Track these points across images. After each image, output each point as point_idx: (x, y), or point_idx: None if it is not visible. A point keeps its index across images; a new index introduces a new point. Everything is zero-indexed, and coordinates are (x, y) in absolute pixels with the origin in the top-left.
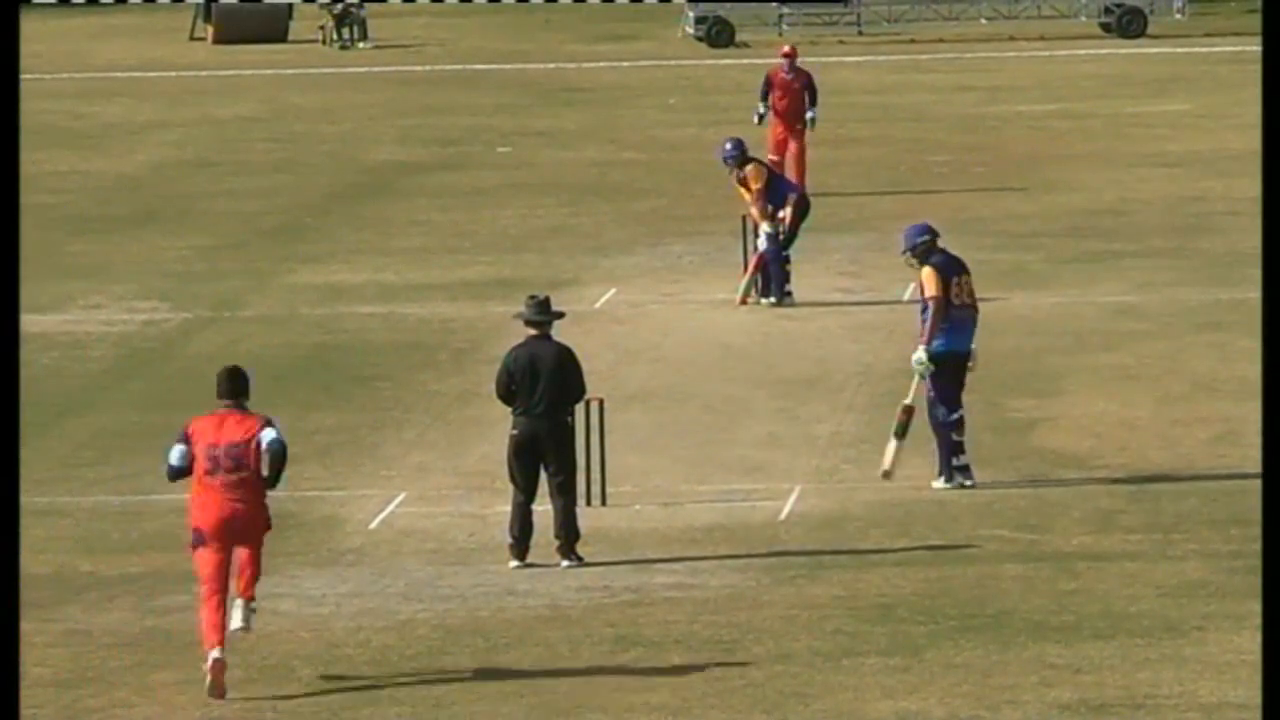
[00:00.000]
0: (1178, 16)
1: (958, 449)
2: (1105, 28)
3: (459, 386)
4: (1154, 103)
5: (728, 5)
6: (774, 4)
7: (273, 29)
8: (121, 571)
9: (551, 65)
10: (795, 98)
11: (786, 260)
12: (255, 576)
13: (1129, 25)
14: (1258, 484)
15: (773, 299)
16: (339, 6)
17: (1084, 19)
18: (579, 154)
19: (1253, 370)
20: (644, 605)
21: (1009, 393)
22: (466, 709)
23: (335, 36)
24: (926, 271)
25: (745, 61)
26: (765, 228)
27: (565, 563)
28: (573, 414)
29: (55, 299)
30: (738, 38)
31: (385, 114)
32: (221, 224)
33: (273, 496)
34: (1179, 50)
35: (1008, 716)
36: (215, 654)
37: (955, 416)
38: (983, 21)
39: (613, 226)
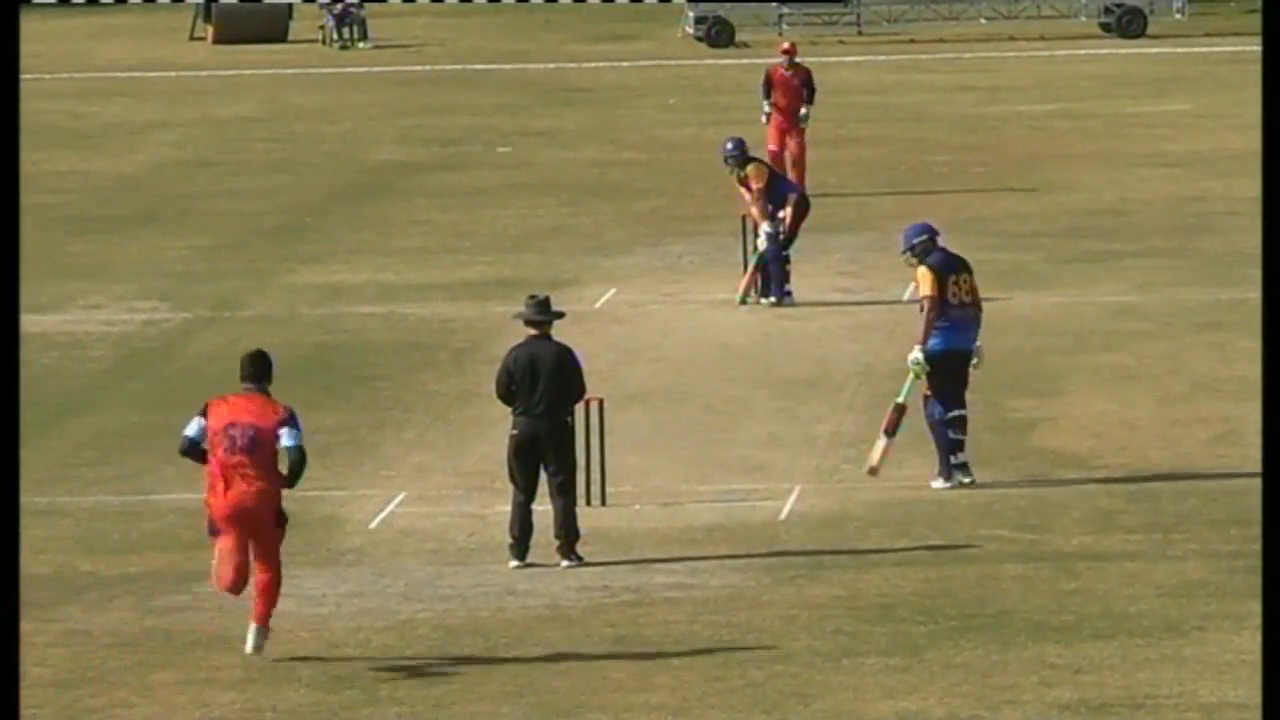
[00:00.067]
0: (1178, 16)
1: (955, 447)
2: (1105, 28)
3: (459, 386)
4: (1154, 103)
5: (728, 5)
6: (774, 4)
7: (273, 29)
8: (121, 571)
9: (551, 65)
10: (795, 95)
11: (786, 260)
12: (273, 600)
13: (1129, 25)
14: (1258, 484)
15: (773, 299)
16: (339, 6)
17: (1084, 19)
18: (579, 154)
19: (1253, 370)
20: (644, 605)
21: (1009, 393)
22: (466, 709)
23: (335, 36)
24: (921, 271)
25: (745, 61)
26: (765, 227)
27: (565, 563)
28: (573, 414)
29: (55, 299)
30: (738, 38)
31: (385, 114)
32: (221, 224)
33: None
34: (1179, 50)
35: (1008, 716)
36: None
37: (952, 415)
38: (983, 21)
39: (613, 226)
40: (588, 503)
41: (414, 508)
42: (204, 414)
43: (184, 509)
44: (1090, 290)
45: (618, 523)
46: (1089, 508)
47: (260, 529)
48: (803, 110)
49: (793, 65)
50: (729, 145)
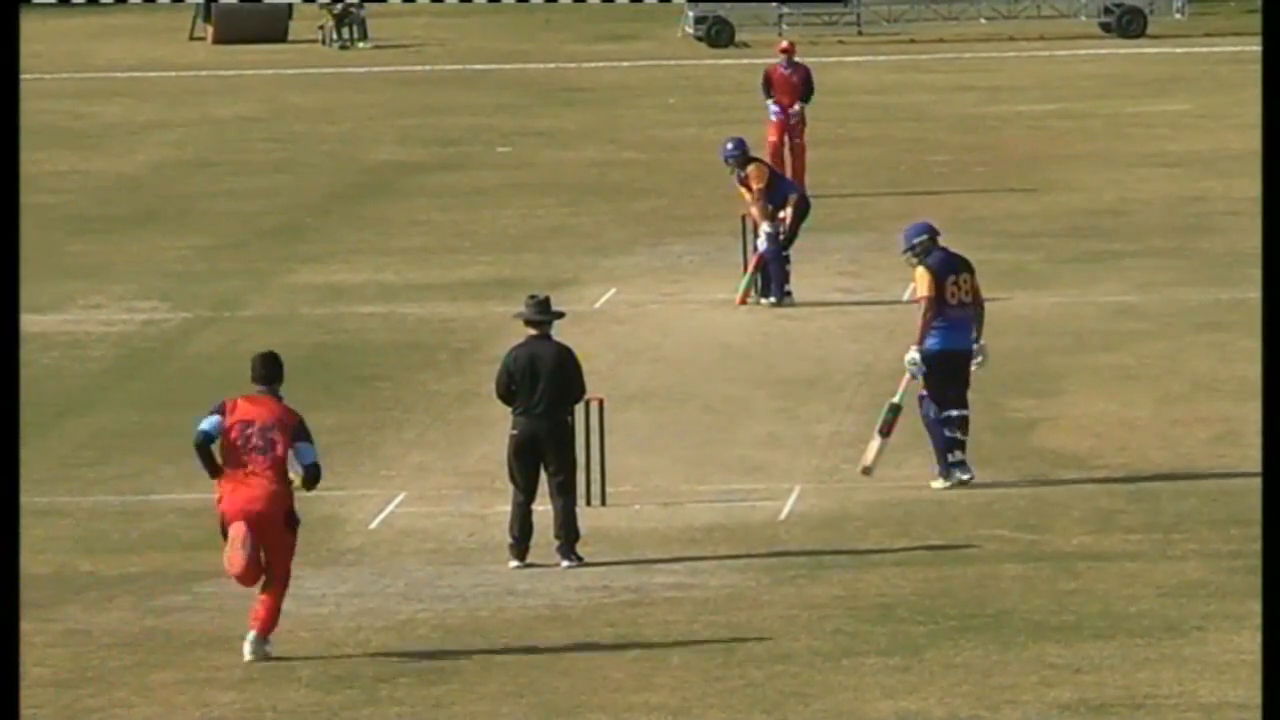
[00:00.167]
0: (1178, 16)
1: (951, 445)
2: (1105, 28)
3: (459, 386)
4: (1154, 103)
5: (728, 5)
6: (774, 4)
7: (273, 29)
8: (121, 571)
9: (551, 65)
10: (794, 94)
11: (786, 260)
12: (277, 606)
13: (1129, 25)
14: (1258, 484)
15: (773, 299)
16: (339, 6)
17: (1084, 19)
18: (579, 154)
19: (1253, 370)
20: (644, 605)
21: (1009, 393)
22: (466, 709)
23: (335, 36)
24: (919, 272)
25: (745, 61)
26: (765, 228)
27: (565, 563)
28: (573, 414)
29: (55, 299)
30: (738, 38)
31: (385, 114)
32: (221, 224)
33: None
34: (1179, 50)
35: (1008, 716)
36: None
37: (951, 415)
38: (983, 21)
39: (613, 226)
40: (588, 503)
41: (414, 508)
42: (220, 411)
43: (184, 509)
44: (1090, 290)
45: (618, 523)
46: (1089, 508)
47: (270, 530)
48: (795, 106)
49: (791, 64)
50: (729, 145)
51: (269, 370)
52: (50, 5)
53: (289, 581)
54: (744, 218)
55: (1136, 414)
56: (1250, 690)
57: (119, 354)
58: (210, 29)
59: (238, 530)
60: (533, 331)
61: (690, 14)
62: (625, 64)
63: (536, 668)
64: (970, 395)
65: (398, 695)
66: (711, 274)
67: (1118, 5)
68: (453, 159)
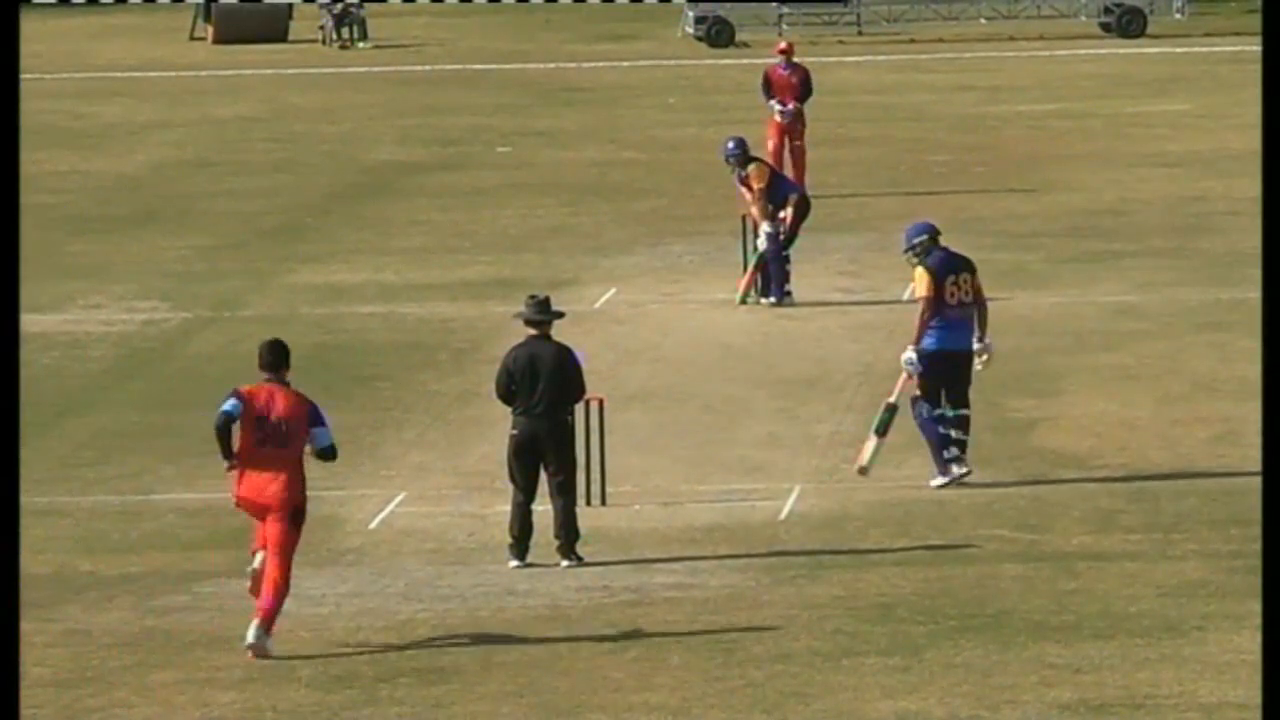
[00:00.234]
0: (1178, 16)
1: (946, 442)
2: (1105, 28)
3: (459, 386)
4: (1154, 103)
5: (728, 5)
6: (774, 4)
7: (273, 29)
8: (121, 571)
9: (551, 65)
10: (793, 94)
11: (786, 260)
12: (280, 596)
13: (1129, 25)
14: (1258, 484)
15: (773, 299)
16: (339, 6)
17: (1084, 19)
18: (579, 154)
19: (1253, 370)
20: (644, 605)
21: (1009, 393)
22: (466, 709)
23: (335, 36)
24: (919, 272)
25: (745, 61)
26: (765, 227)
27: (565, 563)
28: (573, 414)
29: (55, 299)
30: (738, 38)
31: (385, 114)
32: (221, 224)
33: None
34: (1179, 50)
35: (1008, 716)
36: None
37: (948, 414)
38: (983, 21)
39: (613, 226)
40: (588, 503)
41: (414, 508)
42: (238, 396)
43: (184, 509)
44: (1090, 290)
45: (618, 523)
46: (1089, 508)
47: (278, 525)
48: (790, 105)
49: (790, 65)
50: (730, 145)
51: (276, 358)
52: (50, 5)
53: (290, 570)
54: (744, 218)
55: (1136, 414)
56: (1250, 690)
57: (119, 354)
58: (210, 29)
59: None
60: (533, 331)
61: (690, 14)
62: (625, 64)
63: (536, 668)
64: (970, 395)
65: (398, 695)
66: (711, 274)
67: (1118, 5)
68: (453, 159)
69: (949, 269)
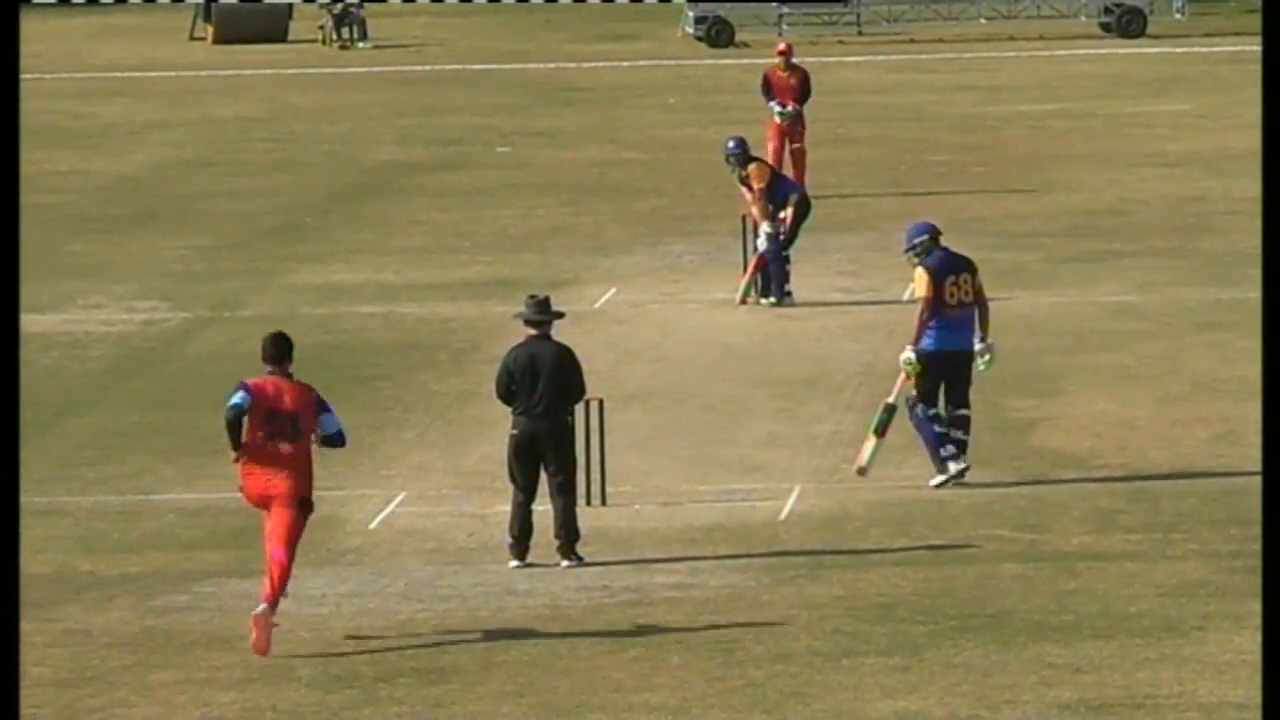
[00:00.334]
0: (1178, 16)
1: (941, 440)
2: (1105, 28)
3: (459, 386)
4: (1154, 103)
5: (728, 5)
6: (774, 4)
7: (273, 29)
8: (121, 571)
9: (551, 65)
10: (792, 96)
11: (786, 260)
12: (284, 580)
13: (1129, 25)
14: (1258, 484)
15: (773, 299)
16: (339, 6)
17: (1084, 19)
18: (579, 154)
19: (1253, 370)
20: (644, 605)
21: (1009, 393)
22: (466, 709)
23: (335, 36)
24: (918, 272)
25: (745, 61)
26: (765, 228)
27: (565, 563)
28: (573, 414)
29: (55, 299)
30: (738, 38)
31: (385, 114)
32: (221, 224)
33: None
34: (1179, 50)
35: (1007, 716)
36: (259, 609)
37: (949, 414)
38: (983, 21)
39: (613, 226)
40: (588, 503)
41: (414, 508)
42: (245, 389)
43: (184, 509)
44: (1090, 290)
45: (618, 523)
46: (1089, 508)
47: (285, 511)
48: (790, 107)
49: (789, 66)
50: (731, 144)
51: (279, 350)
52: (50, 5)
53: (293, 559)
54: (744, 218)
55: (1136, 414)
56: (1250, 690)
57: (119, 354)
58: (210, 29)
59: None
60: (533, 331)
61: (690, 14)
62: (625, 64)
63: (536, 668)
64: (970, 395)
65: (398, 695)
66: (711, 274)
67: (1118, 5)
68: (453, 159)
69: (948, 269)
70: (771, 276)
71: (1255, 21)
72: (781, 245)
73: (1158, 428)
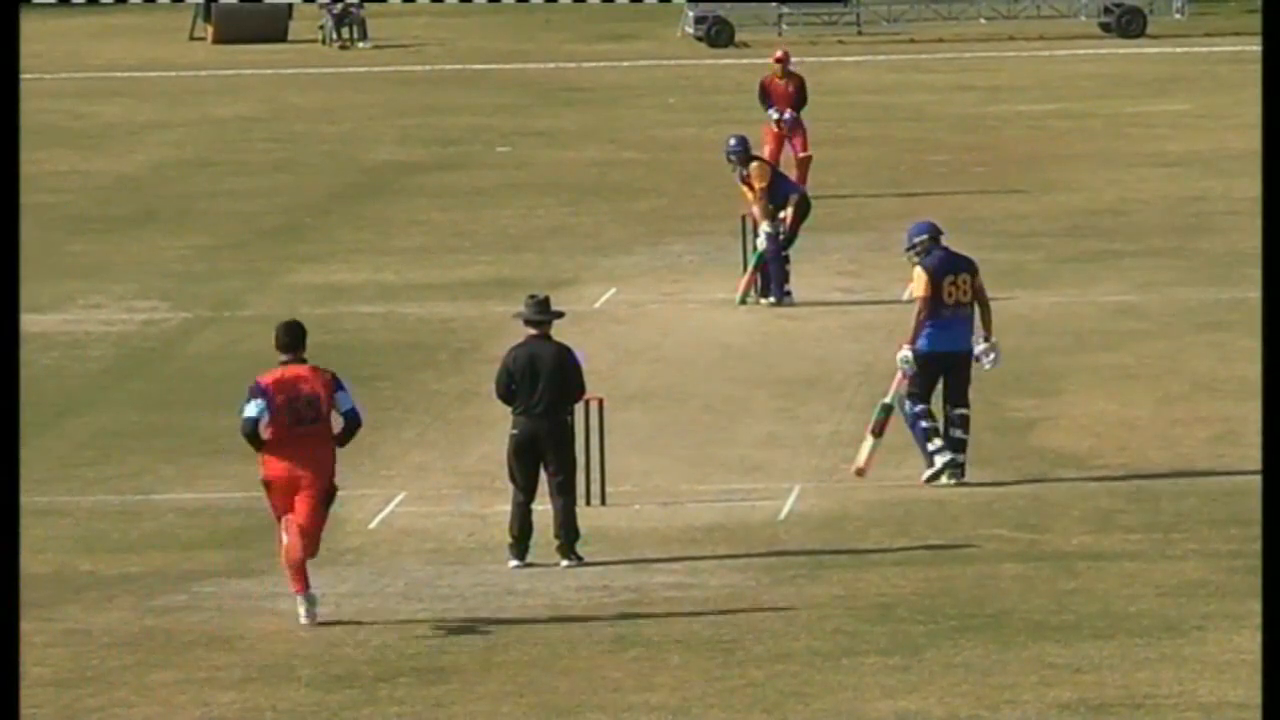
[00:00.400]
0: (1177, 16)
1: (928, 435)
2: (1105, 28)
3: (459, 386)
4: (1154, 103)
5: (728, 5)
6: (774, 4)
7: (272, 29)
8: (121, 571)
9: (551, 65)
10: (789, 102)
11: (786, 260)
12: (312, 550)
13: (1129, 25)
14: (1258, 484)
15: (773, 299)
16: (339, 6)
17: (1084, 19)
18: (579, 154)
19: (1253, 370)
20: (644, 605)
21: (1009, 393)
22: (466, 709)
23: (335, 36)
24: (916, 272)
25: (745, 61)
26: (765, 227)
27: (565, 563)
28: (573, 414)
29: (55, 299)
30: (737, 38)
31: (385, 114)
32: (221, 224)
33: None
34: (1179, 50)
35: (1007, 716)
36: (300, 603)
37: (947, 412)
38: (982, 21)
39: (613, 226)
40: (588, 503)
41: (414, 507)
42: (261, 394)
43: (184, 509)
44: (1090, 290)
45: (618, 523)
46: (1089, 508)
47: (309, 499)
48: (787, 114)
49: (786, 73)
50: (732, 141)
51: (294, 338)
52: (50, 5)
53: (319, 544)
54: (744, 217)
55: (1136, 414)
56: (1250, 690)
57: (119, 354)
58: (210, 29)
59: (288, 517)
60: (532, 331)
61: (690, 14)
62: (625, 64)
63: (536, 668)
64: (970, 395)
65: (398, 695)
66: (711, 274)
67: (1118, 5)
68: (453, 159)
69: (947, 269)
70: (771, 276)
71: (1255, 21)
72: (781, 245)
73: (1158, 428)
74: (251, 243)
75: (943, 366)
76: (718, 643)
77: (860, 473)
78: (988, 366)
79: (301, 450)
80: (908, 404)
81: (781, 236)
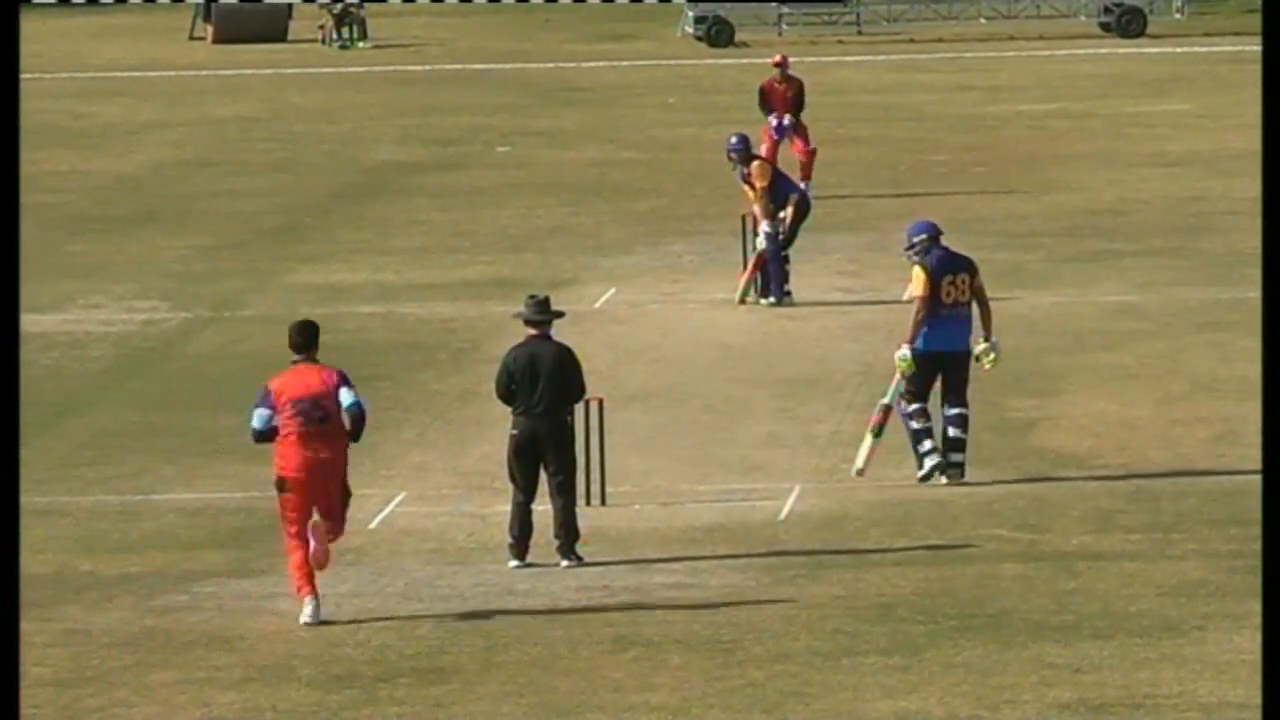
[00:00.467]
0: (1177, 16)
1: (921, 436)
2: (1105, 27)
3: (459, 386)
4: (1154, 103)
5: (728, 5)
6: (774, 4)
7: (272, 29)
8: (121, 571)
9: (551, 65)
10: (787, 107)
11: (786, 260)
12: (325, 558)
13: (1129, 25)
14: (1258, 484)
15: (772, 299)
16: (339, 6)
17: (1084, 19)
18: (579, 154)
19: (1253, 370)
20: (644, 605)
21: (1009, 393)
22: (466, 709)
23: (335, 36)
24: (915, 271)
25: (745, 61)
26: (765, 227)
27: (565, 563)
28: (573, 414)
29: (55, 299)
30: (737, 38)
31: (385, 114)
32: (221, 224)
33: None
34: (1179, 50)
35: (1007, 716)
36: (308, 605)
37: (915, 409)
38: (982, 21)
39: (613, 226)
40: (588, 503)
41: (414, 507)
42: (268, 401)
43: (184, 509)
44: (1090, 290)
45: (618, 523)
46: (1089, 508)
47: (325, 497)
48: (786, 119)
49: (785, 77)
50: (733, 140)
51: (306, 338)
52: (50, 5)
53: (333, 548)
54: (744, 217)
55: (1136, 414)
56: (1250, 690)
57: (119, 354)
58: (210, 29)
59: (296, 552)
60: (532, 331)
61: (690, 14)
62: (625, 64)
63: (536, 668)
64: (970, 395)
65: (398, 695)
66: (711, 274)
67: (1118, 5)
68: (453, 159)
69: (946, 269)
70: (771, 276)
71: (1255, 21)
72: (781, 245)
73: (1158, 428)
74: (251, 243)
75: (940, 366)
76: (718, 643)
77: (860, 473)
78: (987, 366)
79: (311, 449)
80: (901, 403)
81: (781, 236)
